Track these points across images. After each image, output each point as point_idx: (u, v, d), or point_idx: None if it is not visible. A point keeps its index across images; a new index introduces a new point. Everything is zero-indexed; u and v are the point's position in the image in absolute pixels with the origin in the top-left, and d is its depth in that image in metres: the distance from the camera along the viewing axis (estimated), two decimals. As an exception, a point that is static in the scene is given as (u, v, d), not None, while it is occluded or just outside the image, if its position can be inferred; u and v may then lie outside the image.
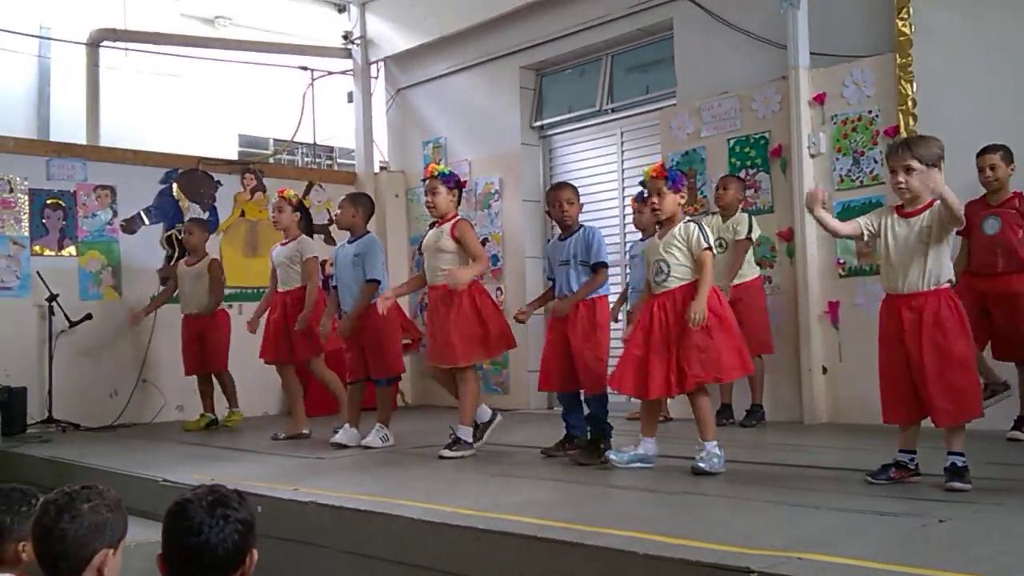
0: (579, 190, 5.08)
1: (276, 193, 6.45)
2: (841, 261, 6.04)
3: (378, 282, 5.44)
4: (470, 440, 5.00)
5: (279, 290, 6.22)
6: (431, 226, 5.19)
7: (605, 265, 4.84)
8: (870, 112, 5.97)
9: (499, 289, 8.17)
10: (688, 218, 4.35)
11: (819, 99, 6.17)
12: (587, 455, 4.62)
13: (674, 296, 4.20)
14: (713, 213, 6.18)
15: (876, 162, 5.92)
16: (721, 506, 3.45)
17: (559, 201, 4.90)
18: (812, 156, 6.15)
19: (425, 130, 8.97)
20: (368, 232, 5.71)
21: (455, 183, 5.11)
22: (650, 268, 4.36)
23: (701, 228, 4.26)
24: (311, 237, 6.31)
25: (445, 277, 4.93)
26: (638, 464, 4.30)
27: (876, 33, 5.97)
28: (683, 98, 6.95)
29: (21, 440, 6.63)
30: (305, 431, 6.18)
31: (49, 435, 6.90)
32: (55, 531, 1.98)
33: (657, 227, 4.51)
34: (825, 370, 6.03)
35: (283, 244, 6.23)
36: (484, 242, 8.17)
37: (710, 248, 4.22)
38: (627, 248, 6.45)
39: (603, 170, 7.72)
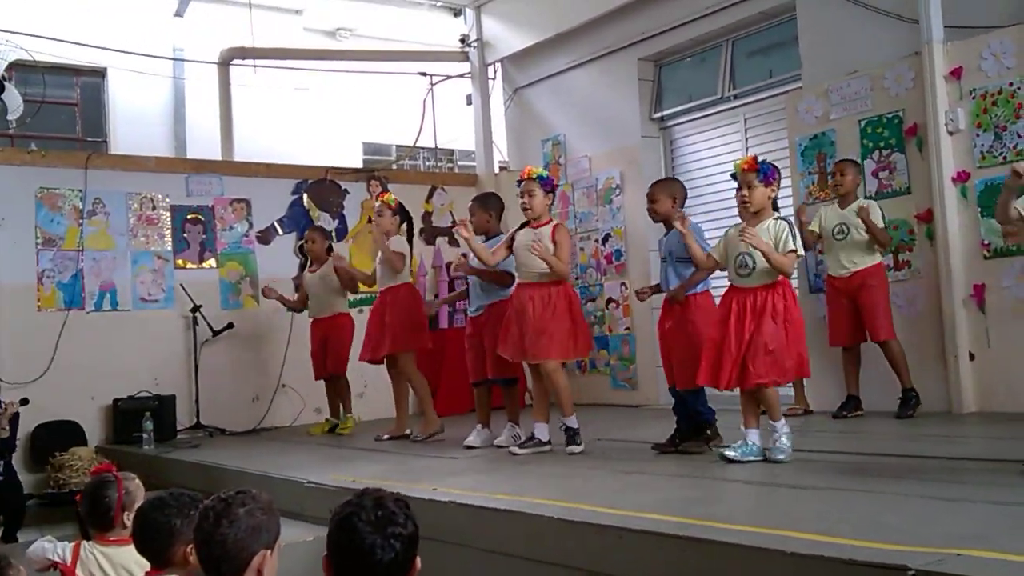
0: (702, 180, 5.04)
1: (377, 199, 6.54)
2: (986, 243, 5.76)
3: (513, 276, 5.45)
4: (576, 426, 5.03)
5: (381, 288, 6.29)
6: (522, 225, 5.24)
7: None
8: (1011, 84, 5.68)
9: (623, 284, 8.11)
10: (777, 215, 4.35)
11: (955, 74, 5.90)
12: (692, 445, 4.74)
13: (755, 295, 4.24)
14: (832, 200, 6.03)
15: (1020, 136, 5.63)
16: (868, 501, 3.33)
17: (655, 198, 4.97)
18: (950, 133, 5.89)
19: (544, 128, 8.97)
20: (501, 232, 5.77)
21: (551, 187, 5.17)
22: (732, 259, 4.38)
23: (791, 228, 4.27)
24: (410, 240, 6.40)
25: (536, 249, 4.96)
26: (750, 458, 4.28)
27: (1014, 2, 5.67)
28: (809, 80, 6.76)
29: (172, 446, 6.87)
30: (437, 432, 6.18)
31: (198, 440, 7.15)
32: (215, 536, 2.05)
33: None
34: (972, 356, 5.77)
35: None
36: (607, 238, 8.17)
37: (796, 251, 4.24)
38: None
39: (727, 159, 7.49)
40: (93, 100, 10.43)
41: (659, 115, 8.08)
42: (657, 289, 5.11)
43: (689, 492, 3.81)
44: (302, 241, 8.27)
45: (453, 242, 8.93)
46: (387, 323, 6.12)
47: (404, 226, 6.42)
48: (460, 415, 7.23)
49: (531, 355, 5.02)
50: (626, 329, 8.09)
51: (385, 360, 6.32)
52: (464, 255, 6.80)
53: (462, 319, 8.19)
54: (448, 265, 8.63)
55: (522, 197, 5.15)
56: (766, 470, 4.10)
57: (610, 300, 8.23)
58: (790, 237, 4.25)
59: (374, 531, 1.86)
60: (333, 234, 8.18)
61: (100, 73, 10.27)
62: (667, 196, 4.94)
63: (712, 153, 7.71)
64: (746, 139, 7.44)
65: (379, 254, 6.30)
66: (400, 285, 6.20)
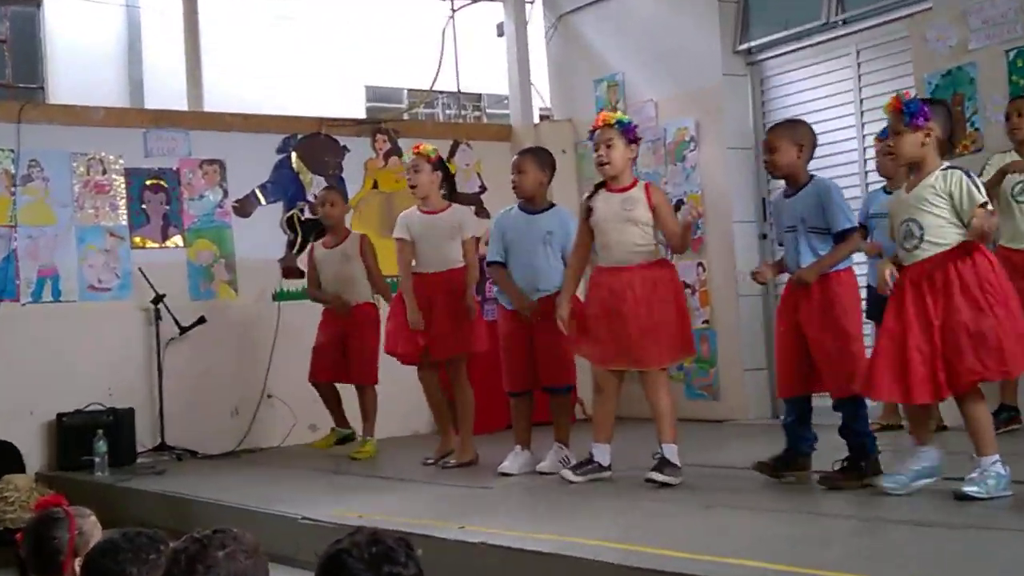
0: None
1: (411, 150, 6.50)
2: None
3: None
4: (677, 462, 4.97)
5: (423, 271, 6.20)
6: (596, 189, 5.18)
7: (855, 229, 4.78)
8: None
9: (700, 265, 8.11)
10: (947, 164, 4.23)
11: None
12: (846, 478, 4.58)
13: (931, 267, 4.12)
14: (1005, 151, 5.93)
15: None
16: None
17: (774, 146, 4.85)
18: None
19: (596, 66, 8.93)
20: (552, 205, 5.76)
21: (634, 137, 5.14)
22: (897, 231, 4.29)
23: (970, 177, 4.16)
24: (455, 203, 6.39)
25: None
26: (922, 482, 4.22)
27: None
28: (941, 1, 6.64)
29: (131, 472, 6.90)
30: (469, 457, 6.22)
31: (163, 465, 7.19)
32: None
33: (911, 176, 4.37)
34: None
35: (426, 212, 6.21)
36: (678, 205, 8.06)
37: (986, 203, 4.10)
38: (867, 204, 6.23)
39: (834, 102, 7.52)
40: (26, 36, 10.51)
41: (745, 47, 8.06)
42: (781, 268, 5.02)
43: (792, 530, 3.79)
44: (291, 212, 8.37)
45: (482, 212, 8.91)
46: (446, 315, 6.07)
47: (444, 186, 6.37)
48: (488, 434, 7.15)
49: (636, 359, 4.99)
50: (704, 323, 8.07)
51: (424, 361, 6.28)
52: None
53: (491, 312, 8.25)
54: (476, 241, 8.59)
55: (597, 150, 5.11)
56: (898, 503, 4.03)
57: (684, 286, 8.10)
58: (973, 188, 4.10)
59: (367, 569, 1.89)
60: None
61: (35, 2, 10.32)
62: (791, 143, 4.81)
63: (815, 95, 7.66)
64: (859, 77, 7.40)
65: (404, 225, 6.22)
66: (458, 269, 6.15)
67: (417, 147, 6.38)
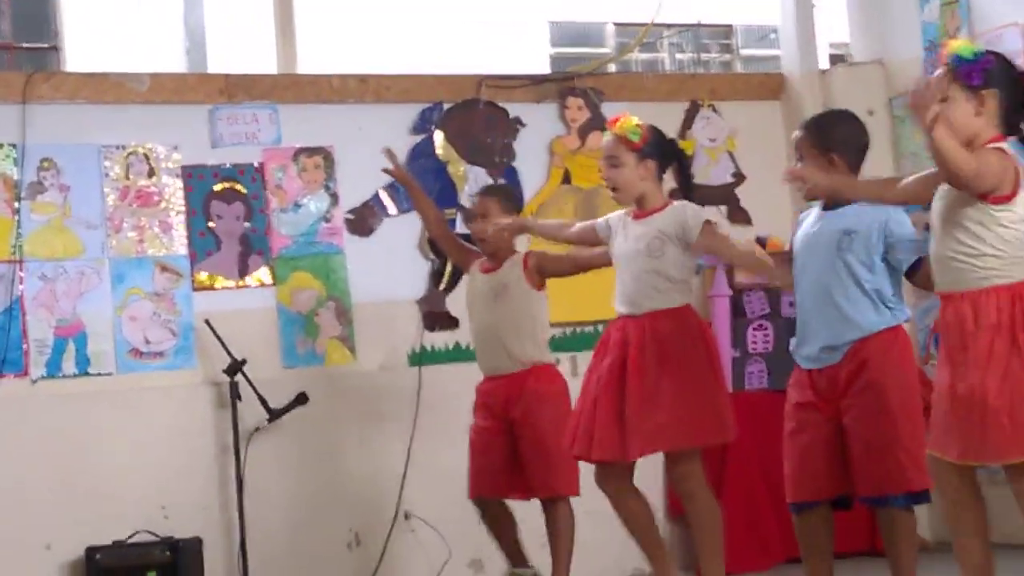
0: None
1: (607, 127, 6.46)
2: None
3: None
4: None
5: (630, 313, 6.26)
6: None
7: None
8: None
9: None
10: None
11: None
12: None
13: None
14: None
15: None
16: None
17: None
18: None
19: None
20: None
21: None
22: None
23: None
24: (688, 197, 6.47)
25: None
26: None
27: None
28: None
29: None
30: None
31: (247, 625, 7.29)
32: None
33: None
34: None
35: (636, 218, 6.33)
36: None
37: None
38: None
39: None
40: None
41: None
42: None
43: None
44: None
45: (738, 215, 8.90)
46: (661, 384, 6.14)
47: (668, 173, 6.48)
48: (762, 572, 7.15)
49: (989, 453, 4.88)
50: None
51: (613, 464, 6.30)
52: (759, 239, 6.83)
53: (763, 373, 8.28)
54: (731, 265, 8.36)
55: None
56: None
57: None
58: None
59: None
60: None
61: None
62: None
63: None
64: None
65: (613, 221, 6.41)
66: (679, 309, 6.23)
67: (614, 121, 6.36)
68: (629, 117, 6.38)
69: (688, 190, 6.49)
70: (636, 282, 6.27)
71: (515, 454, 6.98)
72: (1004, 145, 4.80)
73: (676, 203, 6.33)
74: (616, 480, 6.30)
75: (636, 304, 6.22)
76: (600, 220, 6.54)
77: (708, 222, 6.24)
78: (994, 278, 4.74)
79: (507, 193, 7.38)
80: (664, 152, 6.39)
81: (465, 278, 7.57)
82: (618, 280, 6.35)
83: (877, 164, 8.82)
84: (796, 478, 5.78)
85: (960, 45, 5.02)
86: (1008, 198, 4.67)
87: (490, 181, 8.48)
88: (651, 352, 6.15)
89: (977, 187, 4.63)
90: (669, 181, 6.46)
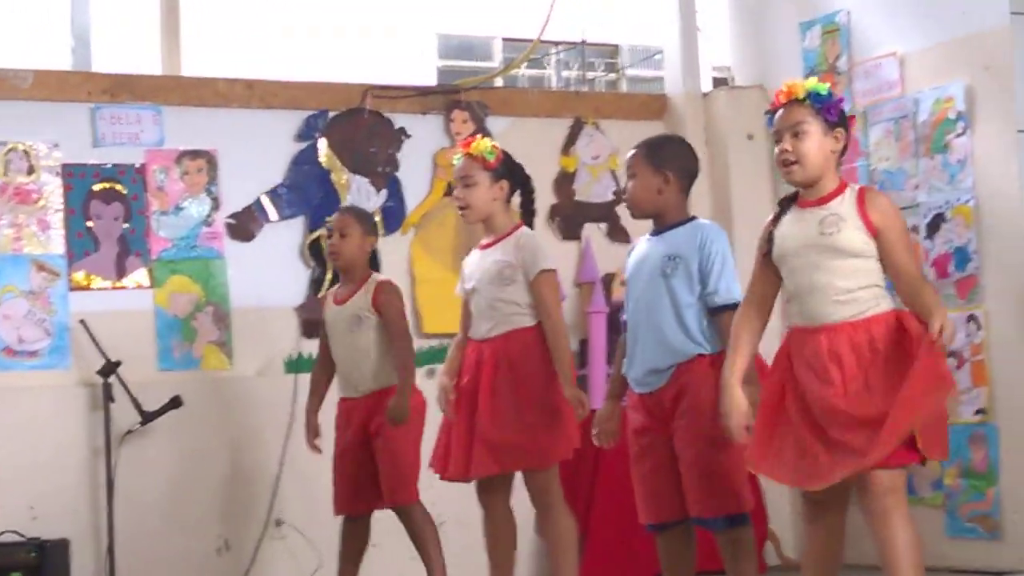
0: None
1: (459, 148, 6.57)
2: None
3: (733, 308, 5.54)
4: None
5: (476, 338, 6.39)
6: (785, 206, 5.22)
7: None
8: None
9: (971, 320, 7.89)
10: None
11: None
12: None
13: None
14: None
15: None
16: None
17: None
18: None
19: (804, 0, 8.90)
20: (693, 216, 5.82)
21: (838, 117, 5.18)
22: None
23: None
24: (530, 224, 6.57)
25: None
26: None
27: None
28: None
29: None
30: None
31: (113, 631, 7.24)
32: None
33: None
34: None
35: (482, 247, 6.48)
36: (936, 223, 8.04)
37: None
38: None
39: None
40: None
41: (1051, -35, 7.93)
42: None
43: None
44: (318, 232, 8.32)
45: (617, 234, 8.94)
46: (510, 404, 6.24)
47: (515, 198, 6.54)
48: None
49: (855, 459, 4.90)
50: (979, 413, 7.90)
51: (489, 479, 6.38)
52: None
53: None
54: (608, 281, 8.42)
55: (779, 141, 5.21)
56: None
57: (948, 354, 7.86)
58: None
59: None
60: (380, 220, 8.26)
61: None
62: None
63: None
64: None
65: (468, 266, 6.50)
66: (528, 329, 6.34)
67: (467, 143, 6.49)
68: (483, 139, 6.52)
69: (530, 217, 6.60)
70: (490, 309, 6.38)
71: (372, 469, 7.04)
72: None
73: (524, 232, 6.44)
74: (490, 496, 6.39)
75: (489, 329, 6.34)
76: (459, 288, 6.62)
77: (544, 271, 6.32)
78: (879, 307, 4.93)
79: (366, 215, 7.43)
80: (515, 176, 6.48)
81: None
82: (474, 308, 6.46)
83: (756, 188, 9.04)
84: (645, 502, 5.84)
85: (816, 83, 5.15)
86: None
87: (373, 191, 8.51)
88: (502, 372, 6.26)
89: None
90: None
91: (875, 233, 4.97)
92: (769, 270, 5.19)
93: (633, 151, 5.89)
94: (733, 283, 5.63)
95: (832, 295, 4.97)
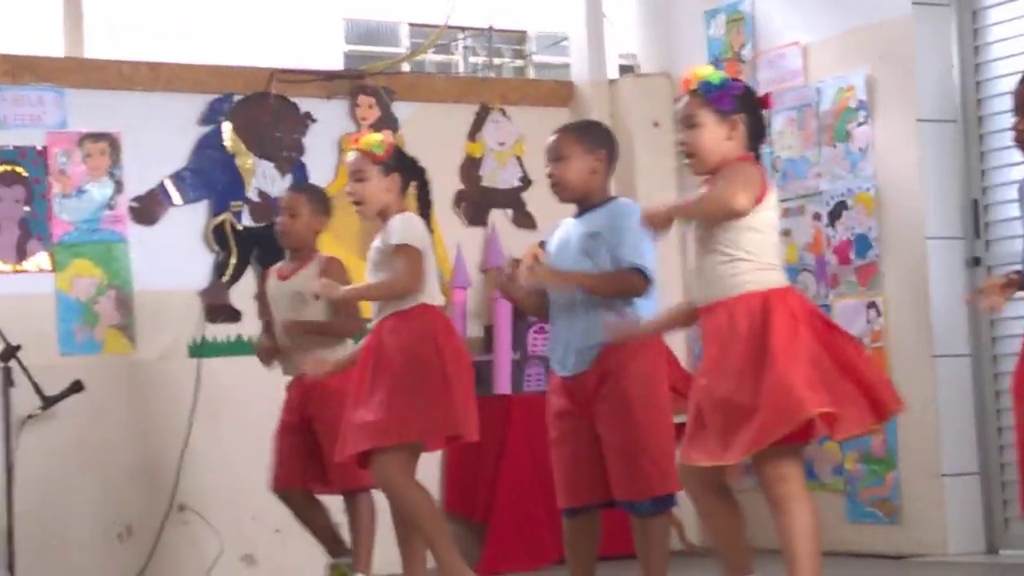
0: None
1: (350, 142, 6.60)
2: None
3: (643, 273, 5.61)
4: None
5: (376, 319, 6.42)
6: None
7: None
8: None
9: (872, 307, 7.98)
10: None
11: None
12: None
13: None
14: None
15: None
16: None
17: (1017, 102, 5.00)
18: None
19: None
20: (615, 197, 5.85)
21: (731, 104, 5.16)
22: None
23: None
24: (427, 217, 6.57)
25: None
26: None
27: None
28: None
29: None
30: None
31: (11, 621, 7.17)
32: None
33: None
34: None
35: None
36: (839, 211, 8.14)
37: None
38: None
39: None
40: None
41: (950, -42, 8.04)
42: (1020, 284, 5.22)
43: None
44: (222, 216, 8.36)
45: (523, 220, 9.04)
46: (386, 387, 6.22)
47: (410, 190, 6.54)
48: (532, 573, 7.36)
49: (734, 451, 4.91)
50: None
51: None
52: (542, 244, 6.92)
53: (541, 376, 8.38)
54: (514, 265, 8.44)
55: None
56: None
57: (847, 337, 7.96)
58: None
59: None
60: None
61: None
62: None
63: None
64: None
65: (371, 253, 6.46)
66: (412, 309, 6.28)
67: (357, 138, 6.52)
68: (373, 133, 6.57)
69: (426, 207, 6.61)
70: None
71: (316, 449, 7.04)
72: None
73: (397, 215, 6.45)
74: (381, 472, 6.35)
75: (379, 311, 6.36)
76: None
77: (399, 245, 6.29)
78: (747, 284, 4.85)
79: (319, 194, 7.41)
80: (407, 167, 6.50)
81: (249, 271, 7.58)
82: None
83: (661, 175, 9.07)
84: (565, 486, 5.85)
85: (707, 72, 5.19)
86: (757, 202, 4.80)
87: (279, 175, 8.50)
88: (378, 354, 6.28)
89: (746, 206, 4.73)
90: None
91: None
92: None
93: (558, 134, 5.88)
94: (647, 251, 5.61)
95: (713, 276, 5.01)
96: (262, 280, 7.56)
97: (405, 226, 6.38)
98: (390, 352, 6.31)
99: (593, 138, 5.83)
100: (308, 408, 7.07)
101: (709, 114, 4.95)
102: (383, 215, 6.44)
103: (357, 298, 6.66)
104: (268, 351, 7.22)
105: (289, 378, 7.21)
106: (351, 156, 6.51)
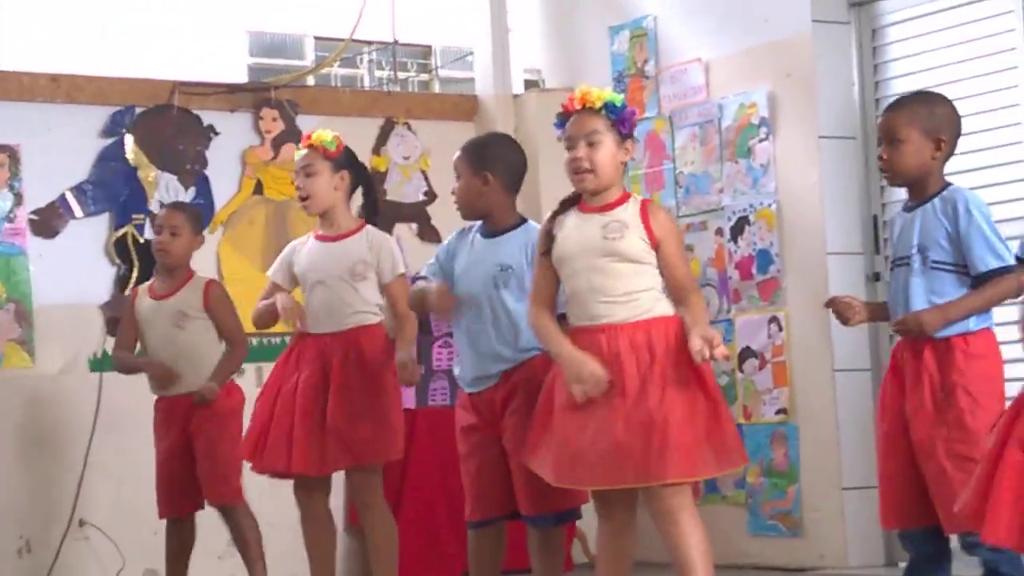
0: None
1: (302, 141, 6.56)
2: None
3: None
4: None
5: (314, 332, 6.35)
6: (564, 207, 5.35)
7: (1008, 269, 5.01)
8: None
9: (773, 322, 8.05)
10: None
11: None
12: None
13: None
14: None
15: None
16: None
17: (897, 135, 5.09)
18: None
19: (614, 6, 9.06)
20: (524, 220, 5.87)
21: (630, 129, 5.28)
22: None
23: None
24: (373, 220, 6.59)
25: None
26: None
27: None
28: None
29: None
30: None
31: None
32: None
33: None
34: None
35: (321, 239, 6.44)
36: (741, 226, 8.18)
37: None
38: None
39: (987, 67, 7.43)
40: None
41: (851, -21, 8.15)
42: (882, 314, 5.38)
43: None
44: (124, 229, 8.32)
45: (428, 231, 9.11)
46: (359, 399, 6.25)
47: (357, 191, 6.58)
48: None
49: (656, 473, 4.94)
50: (780, 413, 8.05)
51: (307, 479, 6.35)
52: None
53: (446, 390, 8.50)
54: (416, 280, 8.47)
55: (572, 148, 5.27)
56: None
57: (747, 352, 8.21)
58: None
59: None
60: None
61: None
62: (923, 133, 5.11)
63: (956, 56, 7.59)
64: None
65: (302, 255, 6.46)
66: (375, 327, 6.38)
67: (309, 136, 6.47)
68: (325, 131, 6.51)
69: (374, 213, 6.63)
70: (340, 303, 6.35)
71: (192, 468, 7.04)
72: None
73: (374, 231, 6.45)
74: (310, 495, 6.35)
75: (337, 323, 6.29)
76: (275, 272, 6.56)
77: (400, 275, 6.37)
78: (657, 310, 5.00)
79: (196, 213, 7.43)
80: (356, 169, 6.51)
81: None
82: (310, 300, 6.40)
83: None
84: (473, 499, 5.84)
85: (610, 94, 5.25)
86: None
87: (182, 188, 8.49)
88: (350, 368, 6.24)
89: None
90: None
91: (655, 243, 5.06)
92: (550, 269, 5.24)
93: (457, 154, 5.91)
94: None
95: (612, 296, 5.04)
96: (130, 299, 7.51)
97: (396, 250, 6.48)
98: (368, 367, 6.30)
99: (482, 157, 5.80)
100: (190, 425, 7.03)
101: (612, 134, 5.04)
102: (327, 215, 6.42)
103: (410, 349, 6.42)
104: (169, 375, 7.08)
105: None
106: (300, 153, 6.49)
